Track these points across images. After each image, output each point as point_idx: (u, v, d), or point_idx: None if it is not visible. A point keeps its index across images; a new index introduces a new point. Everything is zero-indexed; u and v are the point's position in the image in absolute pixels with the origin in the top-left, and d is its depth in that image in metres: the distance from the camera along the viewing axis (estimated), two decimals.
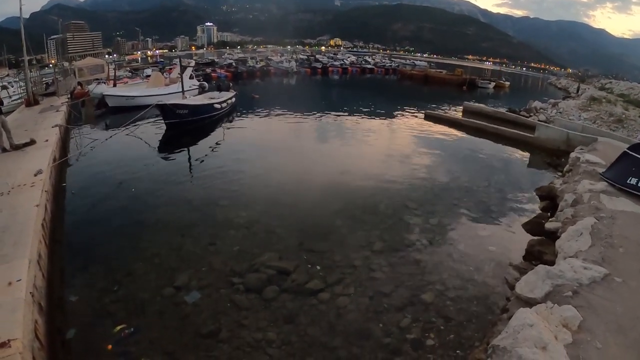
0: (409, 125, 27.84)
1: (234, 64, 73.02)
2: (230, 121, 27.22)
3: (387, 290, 8.10)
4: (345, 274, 8.66)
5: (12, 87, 39.86)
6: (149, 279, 8.39)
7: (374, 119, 29.90)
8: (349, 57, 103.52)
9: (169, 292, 7.96)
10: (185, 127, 22.44)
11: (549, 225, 10.08)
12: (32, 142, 14.76)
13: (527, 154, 20.05)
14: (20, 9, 25.83)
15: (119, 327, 6.86)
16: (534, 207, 12.61)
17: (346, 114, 31.23)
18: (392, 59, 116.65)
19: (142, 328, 6.93)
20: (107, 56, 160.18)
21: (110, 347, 6.50)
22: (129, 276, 8.47)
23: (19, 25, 27.25)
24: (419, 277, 8.60)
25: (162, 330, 6.94)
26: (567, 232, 8.47)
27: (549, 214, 11.64)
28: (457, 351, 6.47)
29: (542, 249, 9.13)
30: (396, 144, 21.89)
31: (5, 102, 27.07)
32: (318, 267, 8.89)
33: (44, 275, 7.52)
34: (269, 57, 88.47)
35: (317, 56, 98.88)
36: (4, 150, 13.90)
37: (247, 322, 7.16)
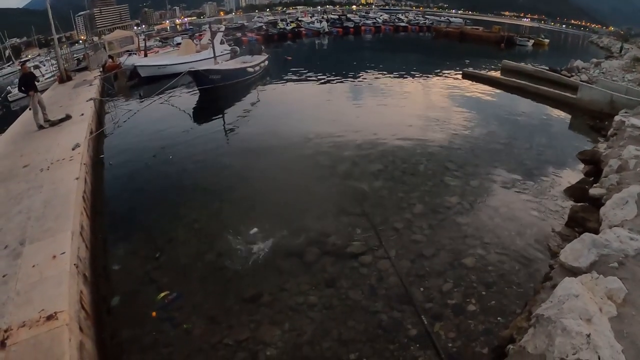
0: (447, 84, 27.10)
1: (264, 27, 72.82)
2: (264, 84, 27.15)
3: (428, 253, 8.00)
4: (386, 236, 8.57)
5: (44, 65, 40.49)
6: (190, 245, 8.52)
7: (410, 78, 29.24)
8: (381, 16, 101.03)
9: (211, 257, 8.07)
10: (219, 92, 22.55)
11: (593, 191, 9.63)
12: (67, 117, 15.03)
13: (568, 116, 19.16)
14: None
15: (162, 294, 6.99)
16: (577, 172, 12.10)
17: (381, 73, 30.60)
18: (426, 16, 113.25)
19: (185, 293, 7.05)
20: (135, 27, 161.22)
21: (154, 313, 6.64)
22: (170, 243, 8.61)
23: (45, 5, 27.46)
24: (460, 241, 8.45)
25: (204, 295, 7.06)
26: (612, 200, 8.15)
27: (592, 179, 11.13)
28: (499, 318, 6.35)
29: (585, 215, 8.72)
30: (434, 103, 21.35)
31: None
32: (358, 230, 8.83)
33: (87, 247, 7.69)
34: (299, 19, 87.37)
35: (348, 15, 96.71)
36: (41, 127, 14.17)
37: (289, 285, 7.21)
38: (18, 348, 4.78)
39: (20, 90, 14.92)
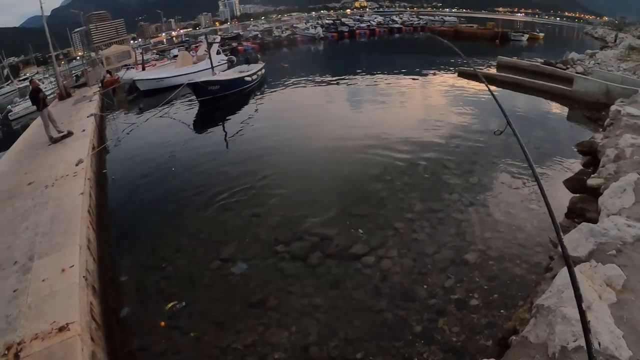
0: (443, 83, 27.18)
1: (259, 35, 73.50)
2: (262, 93, 27.38)
3: (430, 251, 8.10)
4: (388, 236, 8.69)
5: (43, 83, 40.80)
6: (196, 254, 8.65)
7: (406, 79, 29.24)
8: (375, 18, 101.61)
9: (217, 265, 8.21)
10: (218, 102, 22.74)
11: (591, 181, 9.73)
12: (69, 133, 15.27)
13: (565, 108, 19.30)
14: (42, 7, 26.27)
15: (170, 304, 7.10)
16: (575, 163, 12.16)
17: (377, 76, 30.68)
18: (420, 17, 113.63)
19: (192, 302, 7.17)
20: (132, 41, 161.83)
21: (163, 323, 6.74)
22: (176, 253, 8.75)
23: (42, 23, 27.74)
24: (461, 238, 8.55)
25: (212, 302, 7.17)
26: (609, 189, 8.20)
27: (590, 170, 11.19)
28: (502, 311, 6.42)
29: (584, 206, 8.82)
30: (431, 103, 21.46)
31: None
32: (360, 231, 8.94)
33: (94, 259, 7.82)
34: (294, 25, 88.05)
35: (343, 20, 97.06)
36: (52, 139, 14.68)
37: (294, 289, 7.33)
38: None
39: (33, 104, 15.51)
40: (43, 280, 6.34)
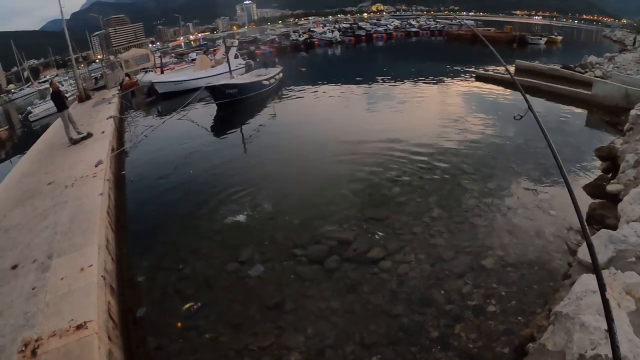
0: (460, 87, 27.02)
1: (277, 39, 73.68)
2: (280, 96, 27.45)
3: (447, 256, 8.02)
4: (405, 241, 8.62)
5: (63, 85, 41.42)
6: (213, 256, 8.68)
7: (423, 83, 29.12)
8: (392, 22, 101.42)
9: (234, 267, 8.22)
10: (236, 106, 22.90)
11: (610, 187, 9.57)
12: (89, 135, 15.50)
13: (584, 112, 18.98)
14: (62, 10, 26.69)
15: (187, 305, 7.14)
16: (594, 169, 11.93)
17: (395, 80, 30.56)
18: (437, 20, 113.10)
19: (209, 303, 7.20)
20: (150, 45, 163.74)
21: (179, 324, 6.78)
22: (193, 254, 8.80)
23: (62, 27, 28.20)
24: (479, 243, 8.44)
25: (228, 304, 7.19)
26: (629, 195, 8.04)
27: (609, 175, 11.03)
28: (519, 317, 6.32)
29: (603, 212, 8.64)
30: (448, 107, 21.27)
31: None
32: (378, 236, 8.90)
33: (113, 259, 7.91)
34: (311, 29, 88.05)
35: (360, 24, 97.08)
36: (72, 140, 14.95)
37: (311, 292, 7.31)
38: (49, 357, 4.93)
39: (55, 105, 15.74)
40: (62, 279, 6.40)
